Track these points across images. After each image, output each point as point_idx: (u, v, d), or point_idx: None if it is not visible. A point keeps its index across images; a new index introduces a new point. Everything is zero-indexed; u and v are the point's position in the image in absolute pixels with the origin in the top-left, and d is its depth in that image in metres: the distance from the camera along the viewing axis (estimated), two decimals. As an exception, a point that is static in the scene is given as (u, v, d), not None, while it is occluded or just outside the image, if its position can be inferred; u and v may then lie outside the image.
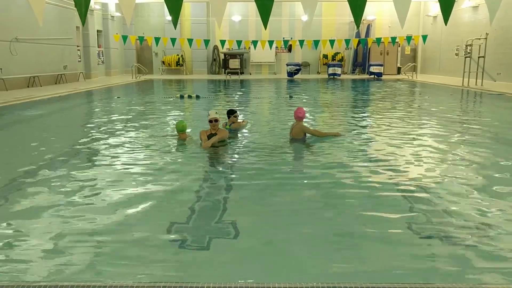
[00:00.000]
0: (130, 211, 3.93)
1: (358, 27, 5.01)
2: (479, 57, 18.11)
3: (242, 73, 27.72)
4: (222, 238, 3.36)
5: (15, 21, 16.41)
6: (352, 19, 4.27)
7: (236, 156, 5.96)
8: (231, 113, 7.43)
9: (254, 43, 21.28)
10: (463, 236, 3.36)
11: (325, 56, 29.07)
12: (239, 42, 21.67)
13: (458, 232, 3.43)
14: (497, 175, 5.07)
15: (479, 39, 18.25)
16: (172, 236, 3.39)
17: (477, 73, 18.08)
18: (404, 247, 3.21)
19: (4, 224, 3.64)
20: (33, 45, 17.83)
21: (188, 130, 6.83)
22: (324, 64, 28.91)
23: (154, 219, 3.75)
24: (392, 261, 3.01)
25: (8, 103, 12.46)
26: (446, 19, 4.61)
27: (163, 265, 2.95)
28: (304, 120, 6.94)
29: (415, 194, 4.38)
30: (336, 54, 28.83)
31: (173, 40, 20.15)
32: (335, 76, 25.99)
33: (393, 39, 21.81)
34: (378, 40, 21.65)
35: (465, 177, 4.97)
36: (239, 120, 7.71)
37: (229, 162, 5.65)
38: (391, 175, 5.05)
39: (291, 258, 3.05)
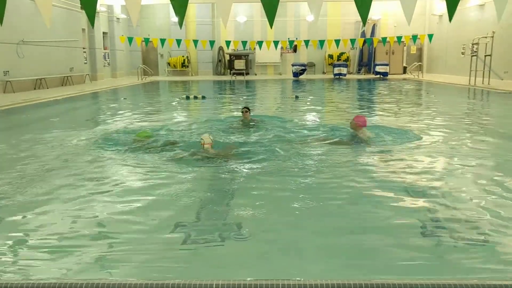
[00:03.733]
0: (137, 210, 3.94)
1: (364, 25, 5.00)
2: (485, 56, 18.00)
3: (247, 73, 27.72)
4: (230, 236, 3.35)
5: (22, 23, 16.54)
6: (357, 18, 4.25)
7: (243, 157, 5.95)
8: (245, 108, 8.21)
9: (260, 43, 21.29)
10: (471, 236, 3.35)
11: (331, 56, 29.02)
12: (244, 43, 21.69)
13: (466, 233, 3.42)
14: (504, 174, 5.03)
15: (486, 37, 18.13)
16: (179, 234, 3.38)
17: (483, 71, 17.97)
18: (413, 245, 3.18)
19: (11, 223, 3.67)
20: (39, 47, 17.96)
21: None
22: (329, 64, 28.86)
23: (161, 218, 3.75)
24: (399, 259, 3.00)
25: (16, 105, 12.55)
26: (451, 16, 4.57)
27: (170, 263, 2.96)
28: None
29: (424, 193, 4.36)
30: (342, 54, 28.78)
31: (178, 41, 20.21)
32: (340, 76, 25.93)
33: (399, 38, 21.72)
34: (384, 40, 21.58)
35: (474, 177, 4.94)
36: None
37: (236, 163, 5.64)
38: (399, 175, 5.03)
39: (299, 256, 3.05)
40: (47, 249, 3.17)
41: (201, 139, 5.98)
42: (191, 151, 5.95)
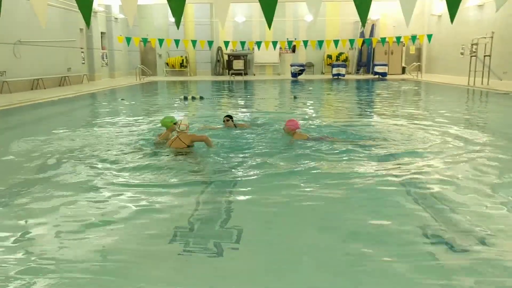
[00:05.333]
0: (132, 220, 3.86)
1: (363, 26, 4.94)
2: (484, 56, 17.95)
3: (246, 74, 27.67)
4: (227, 247, 3.24)
5: (19, 23, 16.45)
6: (356, 18, 4.19)
7: (239, 159, 5.87)
8: (227, 117, 8.07)
9: (258, 44, 21.22)
10: (475, 242, 3.28)
11: (329, 57, 28.98)
12: (243, 43, 21.64)
13: (469, 239, 3.35)
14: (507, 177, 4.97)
15: (485, 37, 18.09)
16: (176, 245, 3.29)
17: (483, 72, 17.92)
18: (418, 258, 3.07)
19: (5, 230, 3.60)
20: (36, 47, 17.86)
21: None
22: (328, 65, 28.83)
23: (158, 228, 3.67)
24: (403, 274, 2.92)
25: (12, 106, 12.46)
26: (452, 17, 4.52)
27: (168, 275, 2.88)
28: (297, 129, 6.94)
29: (426, 197, 4.30)
30: (340, 54, 28.74)
31: (177, 42, 20.12)
32: (339, 76, 25.90)
33: (398, 38, 21.67)
34: (383, 40, 21.54)
35: (477, 179, 4.87)
36: (240, 122, 8.28)
37: (232, 165, 5.56)
38: (402, 178, 4.95)
39: (297, 267, 2.98)
40: (44, 262, 3.09)
41: (179, 120, 5.95)
42: (189, 154, 5.88)
